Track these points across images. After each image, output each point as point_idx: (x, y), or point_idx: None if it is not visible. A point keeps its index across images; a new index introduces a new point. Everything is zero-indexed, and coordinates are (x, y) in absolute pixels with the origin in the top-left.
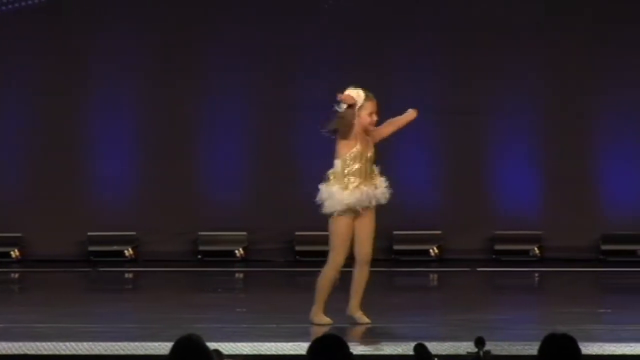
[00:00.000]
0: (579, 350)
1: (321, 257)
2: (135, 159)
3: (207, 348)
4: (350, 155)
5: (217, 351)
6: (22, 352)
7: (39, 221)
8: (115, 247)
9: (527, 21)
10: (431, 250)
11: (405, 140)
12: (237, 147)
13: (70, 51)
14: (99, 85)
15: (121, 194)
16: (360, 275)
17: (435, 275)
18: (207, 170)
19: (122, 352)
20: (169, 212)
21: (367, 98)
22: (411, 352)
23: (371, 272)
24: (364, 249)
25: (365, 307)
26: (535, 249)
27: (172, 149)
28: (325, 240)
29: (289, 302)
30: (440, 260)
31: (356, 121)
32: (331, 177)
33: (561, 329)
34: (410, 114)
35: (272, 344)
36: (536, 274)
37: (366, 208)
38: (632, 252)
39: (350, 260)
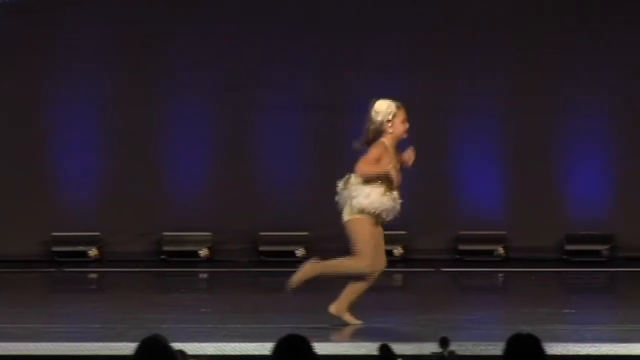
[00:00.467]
0: (543, 350)
1: (285, 258)
2: (100, 159)
3: (171, 348)
4: (393, 165)
5: (181, 351)
6: None
7: (1, 221)
8: (79, 248)
9: (491, 21)
10: (395, 251)
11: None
12: (201, 147)
13: (35, 49)
14: (61, 85)
15: (85, 195)
16: (363, 284)
17: (400, 276)
18: (171, 170)
19: (87, 353)
20: (133, 212)
21: (398, 107)
22: (375, 353)
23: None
24: (382, 257)
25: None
26: (500, 249)
27: (136, 149)
28: (289, 240)
29: (253, 303)
30: (404, 260)
31: (392, 130)
32: (372, 181)
33: (525, 329)
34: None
35: (237, 344)
36: (500, 274)
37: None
38: (596, 252)
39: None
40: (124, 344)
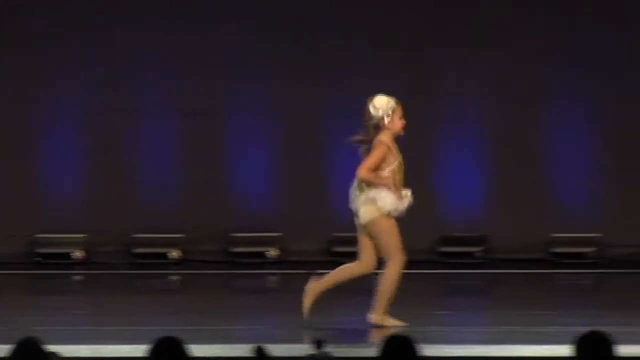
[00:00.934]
0: (418, 351)
1: (159, 260)
2: None
3: (45, 351)
4: (395, 164)
5: (54, 354)
6: None
7: None
8: None
9: (464, 26)
10: (270, 252)
11: (248, 141)
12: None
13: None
14: None
15: None
16: (352, 280)
17: (275, 278)
18: (46, 169)
19: None
20: (6, 213)
21: (397, 103)
22: (249, 354)
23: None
24: (372, 260)
25: (202, 309)
26: None
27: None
28: (161, 242)
29: (127, 305)
30: (279, 262)
31: (391, 127)
32: (379, 186)
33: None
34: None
35: (111, 346)
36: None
37: None
38: (470, 254)
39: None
40: None
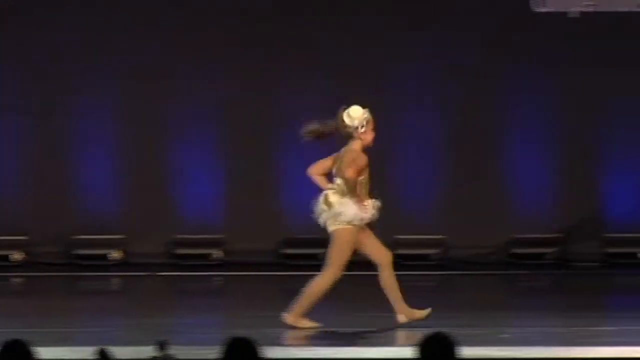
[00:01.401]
0: (259, 352)
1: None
2: None
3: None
4: (365, 175)
5: None
6: None
7: None
8: None
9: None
10: (113, 255)
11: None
12: None
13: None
14: None
15: None
16: (387, 278)
17: (118, 280)
18: None
19: None
20: None
21: (370, 114)
22: (93, 357)
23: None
24: (382, 251)
25: (46, 312)
26: (217, 252)
27: None
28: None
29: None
30: (122, 264)
31: (363, 138)
32: (342, 191)
33: (243, 332)
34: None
35: None
36: (218, 278)
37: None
38: (313, 256)
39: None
40: None
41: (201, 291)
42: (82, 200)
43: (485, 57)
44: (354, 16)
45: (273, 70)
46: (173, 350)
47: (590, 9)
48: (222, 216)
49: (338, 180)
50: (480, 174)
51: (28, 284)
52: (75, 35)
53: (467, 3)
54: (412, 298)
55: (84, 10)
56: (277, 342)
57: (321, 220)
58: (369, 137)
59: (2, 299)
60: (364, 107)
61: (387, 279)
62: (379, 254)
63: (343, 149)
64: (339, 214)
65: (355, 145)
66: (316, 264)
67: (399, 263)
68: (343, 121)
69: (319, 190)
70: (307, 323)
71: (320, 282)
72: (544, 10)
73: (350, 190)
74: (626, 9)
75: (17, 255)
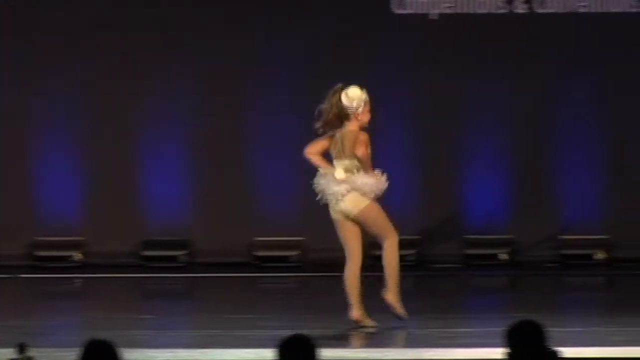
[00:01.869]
0: (118, 354)
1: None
2: None
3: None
4: (369, 149)
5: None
6: None
7: None
8: None
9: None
10: None
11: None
12: None
13: None
14: None
15: None
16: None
17: None
18: None
19: None
20: None
21: (367, 96)
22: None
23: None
24: (359, 249)
25: None
26: (78, 254)
27: None
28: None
29: None
30: None
31: (360, 118)
32: (354, 169)
33: (103, 334)
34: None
35: None
36: (78, 280)
37: None
38: (173, 258)
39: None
40: None
41: (62, 293)
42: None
43: (344, 57)
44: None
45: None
46: (33, 353)
47: (449, 11)
48: (83, 218)
49: (346, 161)
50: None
51: None
52: (36, 36)
53: (326, 3)
54: (272, 300)
55: None
56: (136, 344)
57: (332, 199)
58: (365, 117)
59: None
60: (361, 87)
61: (352, 275)
62: (357, 251)
63: (338, 131)
64: (360, 188)
65: (353, 126)
66: (176, 266)
67: (258, 265)
68: (340, 101)
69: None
70: (402, 310)
71: (390, 254)
72: (403, 12)
73: (365, 167)
74: (485, 11)
75: None
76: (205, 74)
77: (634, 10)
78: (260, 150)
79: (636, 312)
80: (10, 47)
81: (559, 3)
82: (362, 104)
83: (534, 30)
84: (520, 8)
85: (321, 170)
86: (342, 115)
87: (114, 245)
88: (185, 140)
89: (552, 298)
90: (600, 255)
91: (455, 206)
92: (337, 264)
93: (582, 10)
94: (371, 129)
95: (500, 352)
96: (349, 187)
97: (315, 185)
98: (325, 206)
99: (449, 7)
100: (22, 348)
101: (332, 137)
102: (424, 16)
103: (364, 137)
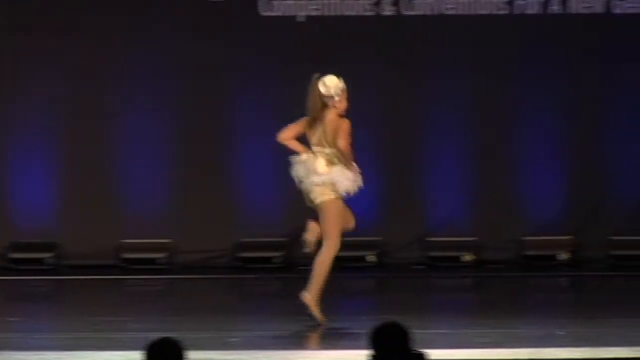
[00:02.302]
0: None
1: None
2: None
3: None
4: (348, 140)
5: None
6: None
7: None
8: None
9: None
10: None
11: None
12: None
13: None
14: None
15: None
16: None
17: None
18: None
19: None
20: None
21: (345, 84)
22: None
23: None
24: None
25: None
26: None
27: None
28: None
29: None
30: None
31: (338, 106)
32: (335, 160)
33: None
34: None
35: None
36: None
37: None
38: (40, 260)
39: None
40: None
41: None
42: None
43: (214, 58)
44: None
45: None
46: None
47: (317, 13)
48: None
49: (327, 150)
50: (212, 175)
51: None
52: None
53: (191, 4)
54: (140, 302)
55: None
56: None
57: (307, 187)
58: (342, 105)
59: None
60: (337, 76)
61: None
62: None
63: (317, 118)
64: (334, 184)
65: (332, 114)
66: (42, 269)
67: (125, 267)
68: (318, 90)
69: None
70: (320, 314)
71: (323, 258)
72: (271, 14)
73: (346, 158)
74: (353, 13)
75: None
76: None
77: (502, 12)
78: (125, 151)
79: (503, 313)
80: None
81: (426, 5)
82: (340, 92)
83: (402, 32)
84: (388, 10)
85: (301, 156)
86: (320, 104)
87: None
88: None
89: (419, 300)
90: (468, 257)
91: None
92: (206, 266)
93: (449, 12)
94: (240, 124)
95: (365, 354)
96: (326, 179)
97: (294, 172)
98: (194, 207)
99: (316, 9)
100: None
101: (309, 122)
102: (292, 18)
103: (346, 125)
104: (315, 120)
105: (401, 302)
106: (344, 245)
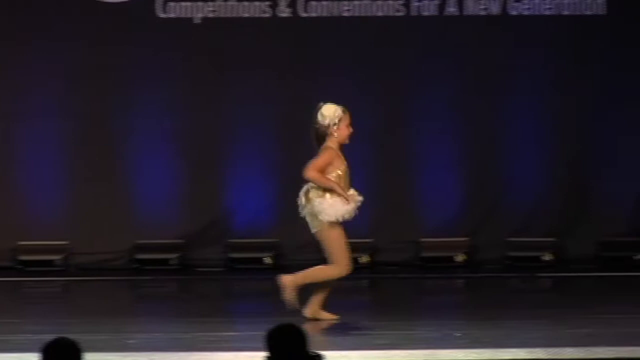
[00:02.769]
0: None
1: None
2: None
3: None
4: (341, 169)
5: None
6: None
7: None
8: None
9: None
10: None
11: None
12: None
13: None
14: None
15: None
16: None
17: None
18: None
19: None
20: None
21: (344, 111)
22: None
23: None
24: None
25: None
26: None
27: None
28: None
29: None
30: None
31: (337, 134)
32: (321, 191)
33: None
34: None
35: None
36: None
37: None
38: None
39: None
40: None
41: None
42: None
43: (112, 60)
44: None
45: None
46: None
47: (213, 15)
48: None
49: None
50: (109, 177)
51: None
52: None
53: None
54: (34, 305)
55: None
56: None
57: (303, 215)
58: (343, 133)
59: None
60: (337, 104)
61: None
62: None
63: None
64: (319, 213)
65: (330, 143)
66: None
67: (22, 270)
68: (317, 120)
69: None
70: (326, 315)
71: (327, 271)
72: (168, 15)
73: (324, 187)
74: (248, 15)
75: None
76: None
77: (398, 14)
78: (19, 154)
79: (398, 314)
80: None
81: (322, 7)
82: (337, 121)
83: (298, 33)
84: (285, 12)
85: (303, 187)
86: (322, 133)
87: None
88: None
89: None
90: (364, 258)
91: (220, 210)
92: (103, 267)
93: (345, 14)
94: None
95: (261, 356)
96: (308, 211)
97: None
98: (90, 209)
99: (213, 10)
100: None
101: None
102: (189, 20)
103: (327, 155)
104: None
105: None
106: (244, 248)
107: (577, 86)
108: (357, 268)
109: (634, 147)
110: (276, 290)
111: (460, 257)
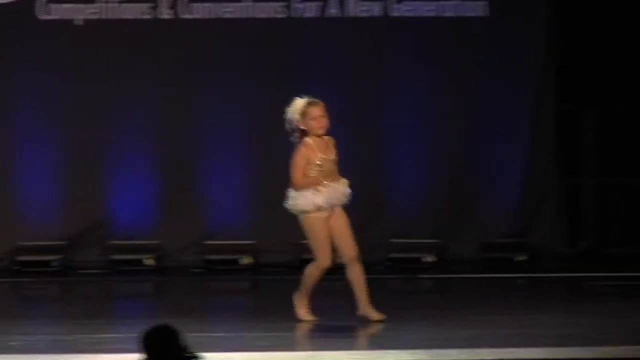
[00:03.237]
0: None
1: None
2: None
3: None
4: (320, 159)
5: None
6: None
7: None
8: None
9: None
10: None
11: None
12: None
13: None
14: None
15: None
16: (355, 274)
17: None
18: None
19: None
20: None
21: (309, 105)
22: None
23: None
24: (348, 246)
25: None
26: None
27: None
28: None
29: None
30: None
31: (305, 127)
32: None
33: None
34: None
35: None
36: None
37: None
38: None
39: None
40: None
41: None
42: None
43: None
44: None
45: None
46: None
47: (95, 17)
48: None
49: None
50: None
51: None
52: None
53: None
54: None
55: None
56: None
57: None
58: (310, 126)
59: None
60: (307, 97)
61: (352, 272)
62: (343, 248)
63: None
64: (292, 206)
65: (300, 138)
66: None
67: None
68: (286, 119)
69: None
70: (307, 315)
71: (310, 270)
72: (49, 17)
73: (299, 186)
74: (131, 17)
75: None
76: None
77: (280, 15)
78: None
79: (280, 316)
80: None
81: (204, 9)
82: (297, 115)
83: (179, 35)
84: (166, 14)
85: None
86: (294, 129)
87: None
88: None
89: (198, 303)
90: (246, 260)
91: (101, 211)
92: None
93: (227, 16)
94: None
95: (137, 357)
96: (288, 201)
97: None
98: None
99: (94, 12)
100: None
101: None
102: (70, 22)
103: (298, 156)
104: None
105: (180, 305)
106: (126, 250)
107: (459, 89)
108: (238, 270)
109: (515, 150)
110: (158, 291)
111: (340, 260)
